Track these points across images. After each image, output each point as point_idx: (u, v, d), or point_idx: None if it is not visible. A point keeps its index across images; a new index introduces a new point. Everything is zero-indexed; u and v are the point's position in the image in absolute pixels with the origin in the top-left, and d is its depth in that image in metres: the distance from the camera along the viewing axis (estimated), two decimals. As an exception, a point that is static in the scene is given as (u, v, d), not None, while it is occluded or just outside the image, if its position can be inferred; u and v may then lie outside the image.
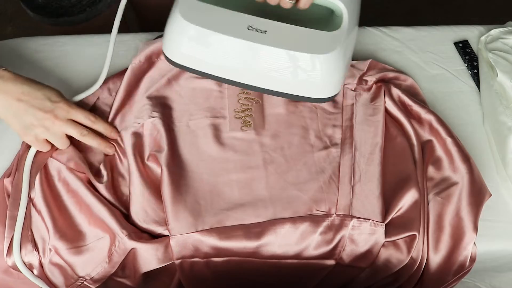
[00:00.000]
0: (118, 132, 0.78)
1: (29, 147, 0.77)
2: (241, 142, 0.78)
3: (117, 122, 0.80)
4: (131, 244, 0.69)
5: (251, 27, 0.69)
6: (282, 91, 0.73)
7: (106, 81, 0.83)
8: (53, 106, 0.73)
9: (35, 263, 0.70)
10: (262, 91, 0.74)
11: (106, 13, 1.00)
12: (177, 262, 0.71)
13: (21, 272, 0.70)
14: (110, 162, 0.77)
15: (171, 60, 0.74)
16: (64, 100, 0.74)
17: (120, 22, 0.80)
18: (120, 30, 0.91)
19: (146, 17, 1.24)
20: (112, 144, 0.77)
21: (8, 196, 0.73)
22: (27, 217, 0.72)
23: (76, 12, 0.97)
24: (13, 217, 0.71)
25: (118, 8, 0.80)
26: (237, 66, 0.72)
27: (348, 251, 0.72)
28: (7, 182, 0.74)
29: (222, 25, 0.70)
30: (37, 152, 0.76)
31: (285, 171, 0.75)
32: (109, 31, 0.86)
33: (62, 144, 0.75)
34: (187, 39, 0.72)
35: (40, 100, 0.72)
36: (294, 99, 0.76)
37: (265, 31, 0.69)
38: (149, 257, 0.70)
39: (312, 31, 0.70)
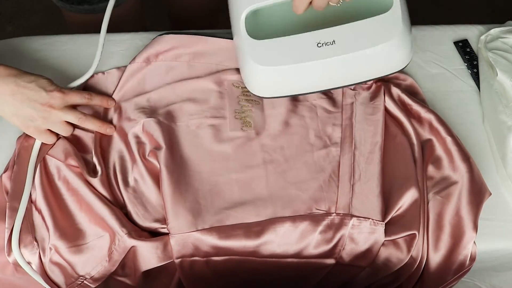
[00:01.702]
0: (114, 100, 0.80)
1: (29, 140, 0.77)
2: (241, 142, 0.78)
3: (114, 117, 0.80)
4: (130, 242, 0.69)
5: (319, 43, 0.71)
6: (366, 79, 0.78)
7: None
8: (48, 95, 0.73)
9: (36, 261, 0.70)
10: (348, 86, 0.79)
11: (127, 4, 1.00)
12: (177, 261, 0.71)
13: (21, 268, 0.70)
14: (103, 156, 0.77)
15: (261, 96, 0.77)
16: (57, 88, 0.75)
17: (137, 19, 0.80)
18: (137, 29, 0.91)
19: (179, 16, 1.25)
20: (112, 125, 0.78)
21: (7, 192, 0.73)
22: (27, 217, 0.72)
23: (97, 1, 0.97)
24: (14, 208, 0.71)
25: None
26: (322, 79, 0.75)
27: (348, 250, 0.72)
28: (5, 177, 0.74)
29: (293, 54, 0.72)
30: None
31: (285, 170, 0.75)
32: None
33: (65, 131, 0.76)
34: (268, 80, 0.75)
35: (35, 91, 0.73)
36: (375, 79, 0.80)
37: (333, 41, 0.71)
38: (149, 255, 0.70)
39: (372, 20, 0.72)
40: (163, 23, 0.92)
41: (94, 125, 0.77)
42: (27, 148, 0.76)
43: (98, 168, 0.75)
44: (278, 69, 0.73)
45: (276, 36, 0.73)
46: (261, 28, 0.76)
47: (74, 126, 0.78)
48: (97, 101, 0.79)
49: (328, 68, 0.73)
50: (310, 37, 0.72)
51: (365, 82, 0.79)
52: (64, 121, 0.76)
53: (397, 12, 0.72)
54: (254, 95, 0.78)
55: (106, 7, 0.85)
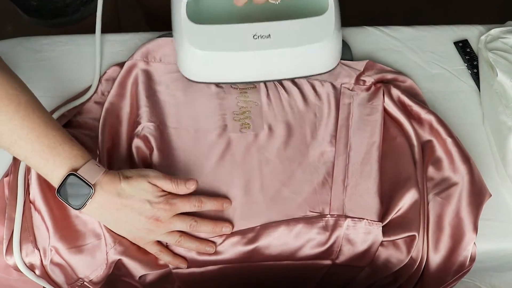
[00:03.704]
0: (230, 202, 0.72)
1: None
2: (239, 144, 0.77)
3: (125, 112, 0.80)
4: (120, 251, 0.69)
5: (255, 35, 0.75)
6: (296, 76, 0.81)
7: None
8: (154, 209, 0.67)
9: (37, 263, 0.70)
10: (277, 81, 0.82)
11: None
12: (174, 271, 0.71)
13: (21, 272, 0.70)
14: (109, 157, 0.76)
15: (192, 80, 0.79)
16: (164, 199, 0.68)
17: (111, 26, 0.80)
18: (113, 30, 0.91)
19: (155, 16, 1.25)
20: (228, 224, 0.70)
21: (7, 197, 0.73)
22: (27, 218, 0.71)
23: (71, 12, 0.97)
24: (11, 218, 0.71)
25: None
26: (252, 71, 0.78)
27: (345, 251, 0.71)
28: (5, 182, 0.74)
29: (229, 42, 0.76)
30: None
31: (279, 172, 0.75)
32: (103, 31, 0.86)
33: (173, 239, 0.69)
34: (202, 64, 0.77)
35: (139, 203, 0.67)
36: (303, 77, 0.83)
37: (269, 35, 0.75)
38: (138, 268, 0.70)
39: (307, 20, 0.76)
40: (140, 26, 0.92)
41: (208, 228, 0.69)
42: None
43: None
44: (212, 55, 0.75)
45: (214, 23, 0.76)
46: (201, 14, 0.78)
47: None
48: (210, 206, 0.70)
49: (261, 60, 0.77)
50: (247, 28, 0.75)
51: (295, 78, 0.82)
52: (171, 231, 0.69)
53: (330, 16, 0.77)
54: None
55: (81, 17, 0.85)
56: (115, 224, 0.68)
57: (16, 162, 0.75)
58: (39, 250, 0.70)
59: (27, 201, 0.72)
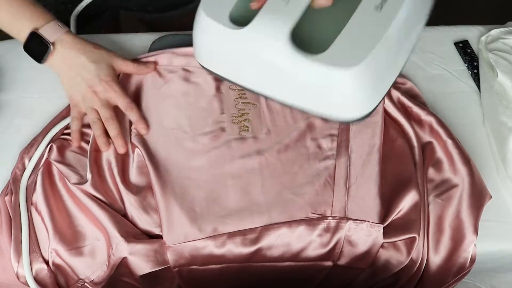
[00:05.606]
0: (148, 128, 0.77)
1: (23, 168, 0.76)
2: (238, 146, 0.77)
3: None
4: (127, 248, 0.69)
5: None
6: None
7: None
8: (98, 83, 0.76)
9: (37, 266, 0.70)
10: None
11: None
12: (174, 270, 0.71)
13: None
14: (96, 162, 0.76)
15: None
16: (110, 81, 0.76)
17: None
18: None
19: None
20: (126, 145, 0.76)
21: (6, 212, 0.73)
22: (32, 238, 0.71)
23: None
24: (18, 240, 0.70)
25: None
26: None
27: (346, 253, 0.71)
28: (7, 200, 0.74)
29: None
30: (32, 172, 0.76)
31: (281, 174, 0.75)
32: (103, 31, 0.86)
33: (94, 122, 0.76)
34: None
35: (89, 73, 0.76)
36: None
37: None
38: (143, 262, 0.70)
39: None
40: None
41: (115, 131, 0.76)
42: (17, 178, 0.75)
43: (89, 175, 0.74)
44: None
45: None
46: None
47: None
48: (133, 118, 0.77)
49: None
50: None
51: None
52: (97, 113, 0.76)
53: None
54: (247, 91, 0.74)
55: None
56: (67, 80, 0.77)
57: (16, 183, 0.75)
58: (42, 255, 0.70)
59: (29, 214, 0.72)
